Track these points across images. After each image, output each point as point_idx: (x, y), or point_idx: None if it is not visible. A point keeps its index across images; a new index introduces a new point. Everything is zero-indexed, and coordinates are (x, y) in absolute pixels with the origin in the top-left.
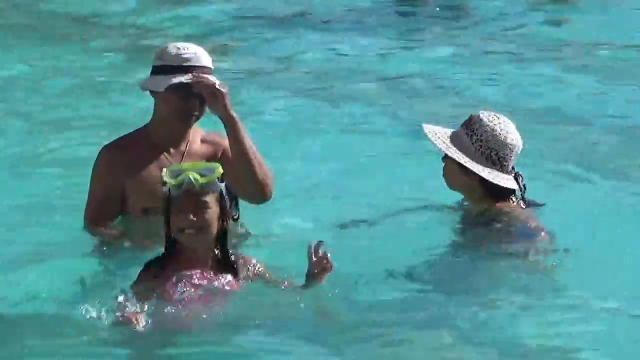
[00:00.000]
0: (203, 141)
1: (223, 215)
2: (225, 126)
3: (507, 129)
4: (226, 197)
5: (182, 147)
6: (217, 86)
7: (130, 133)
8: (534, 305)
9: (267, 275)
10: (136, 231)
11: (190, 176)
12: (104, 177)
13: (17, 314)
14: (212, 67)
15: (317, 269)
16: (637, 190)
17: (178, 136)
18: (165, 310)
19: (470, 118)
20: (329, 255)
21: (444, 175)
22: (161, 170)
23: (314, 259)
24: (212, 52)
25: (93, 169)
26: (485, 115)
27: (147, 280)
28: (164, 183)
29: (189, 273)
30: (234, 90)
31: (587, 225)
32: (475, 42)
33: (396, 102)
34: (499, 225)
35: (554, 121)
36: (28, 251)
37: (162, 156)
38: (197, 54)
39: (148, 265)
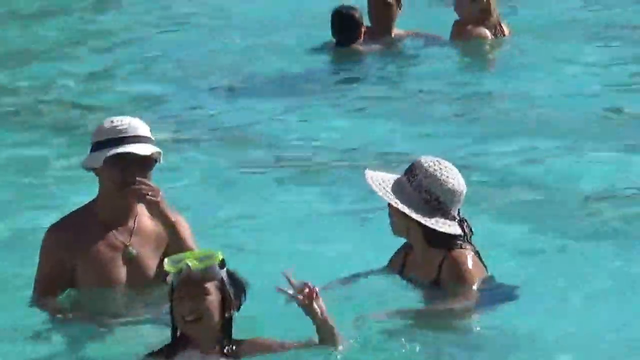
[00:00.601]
0: (152, 217)
1: (225, 303)
2: (164, 228)
3: (448, 174)
4: (229, 285)
5: (130, 224)
6: (149, 196)
7: (75, 211)
8: None
9: (282, 344)
10: (87, 305)
11: (189, 263)
12: (50, 258)
13: None
14: (150, 136)
15: (305, 300)
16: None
17: (124, 211)
18: None
19: (412, 164)
20: (308, 282)
21: (389, 223)
22: (109, 249)
23: (297, 292)
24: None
25: (40, 250)
26: (426, 161)
27: None
28: (167, 272)
29: None
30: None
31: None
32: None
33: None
34: (456, 304)
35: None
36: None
37: (109, 234)
38: (132, 124)
39: (150, 356)
